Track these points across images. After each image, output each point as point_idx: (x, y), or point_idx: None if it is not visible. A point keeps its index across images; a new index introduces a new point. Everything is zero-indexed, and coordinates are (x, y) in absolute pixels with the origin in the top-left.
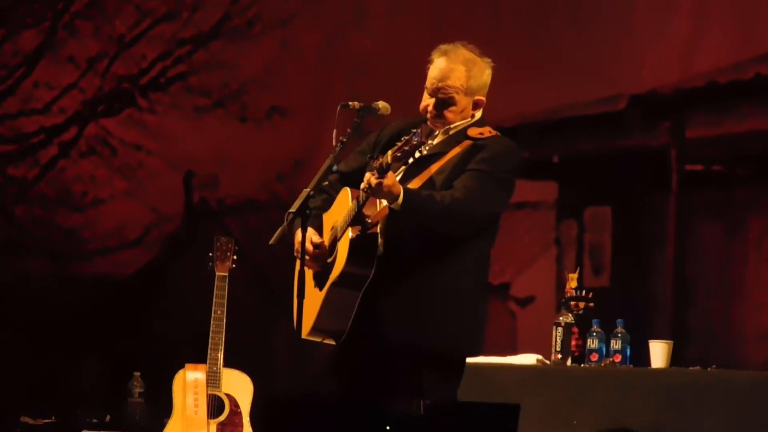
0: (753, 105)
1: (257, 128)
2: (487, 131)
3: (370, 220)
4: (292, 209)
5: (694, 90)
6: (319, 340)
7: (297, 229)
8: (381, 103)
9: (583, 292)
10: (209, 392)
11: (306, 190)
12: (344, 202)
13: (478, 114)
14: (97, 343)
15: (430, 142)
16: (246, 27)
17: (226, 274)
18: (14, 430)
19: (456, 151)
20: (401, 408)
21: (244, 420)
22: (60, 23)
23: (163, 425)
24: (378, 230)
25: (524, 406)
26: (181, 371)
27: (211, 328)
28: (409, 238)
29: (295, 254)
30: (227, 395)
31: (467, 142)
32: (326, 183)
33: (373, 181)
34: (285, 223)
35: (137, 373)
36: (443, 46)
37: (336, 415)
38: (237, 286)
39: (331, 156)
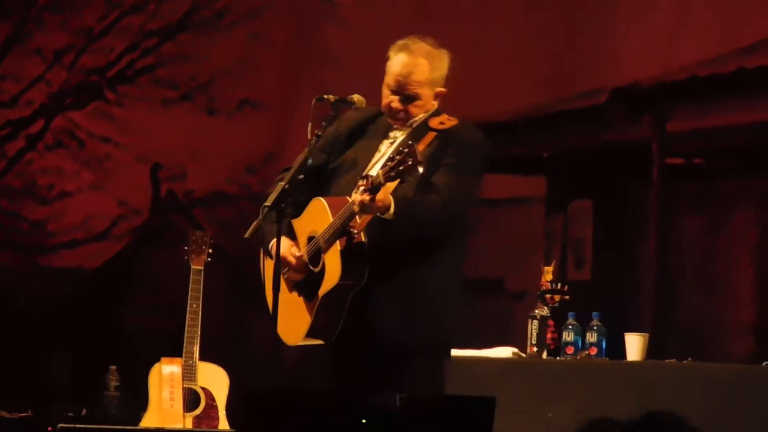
0: (735, 98)
1: (227, 120)
2: (446, 119)
3: (355, 231)
4: (267, 203)
5: (675, 83)
6: (308, 344)
7: (270, 235)
8: (356, 96)
9: (559, 284)
10: (185, 386)
11: (281, 184)
12: (320, 212)
13: (436, 104)
14: (68, 337)
15: (395, 133)
16: (215, 18)
17: (202, 267)
18: None
19: (422, 144)
20: (379, 401)
21: (220, 413)
22: (28, 15)
23: (140, 418)
24: (363, 237)
25: (500, 399)
26: (156, 365)
27: (187, 322)
28: (393, 239)
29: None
30: (203, 389)
31: (431, 134)
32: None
33: (366, 199)
34: (260, 217)
35: (113, 367)
36: (400, 42)
37: (314, 409)
38: (210, 279)
39: (307, 149)
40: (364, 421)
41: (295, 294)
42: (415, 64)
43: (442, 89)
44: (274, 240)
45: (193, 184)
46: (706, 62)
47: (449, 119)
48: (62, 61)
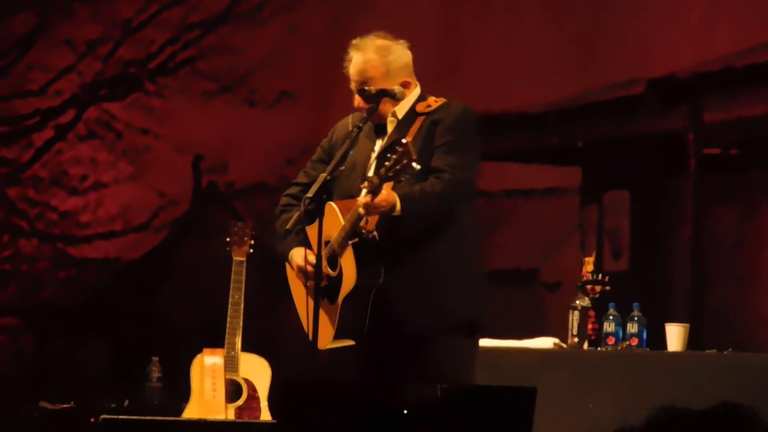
0: None
1: (266, 112)
2: (432, 101)
3: (365, 230)
4: (309, 194)
5: (710, 74)
6: (338, 345)
7: (290, 245)
8: (397, 87)
9: (600, 275)
10: (227, 377)
11: (323, 176)
12: (333, 217)
13: (416, 90)
14: (105, 327)
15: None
16: (255, 11)
17: (244, 258)
18: (33, 415)
19: (414, 130)
20: (418, 392)
21: (261, 404)
22: (55, 6)
23: (181, 410)
24: (375, 234)
25: (541, 390)
26: (199, 356)
27: (229, 313)
28: (404, 234)
29: (298, 274)
30: (245, 380)
31: (420, 119)
32: (295, 192)
33: (369, 200)
34: (302, 208)
35: (155, 358)
36: (354, 41)
37: (353, 400)
38: (249, 270)
39: (348, 141)
40: (405, 412)
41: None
42: (365, 60)
43: (408, 79)
44: (294, 250)
45: (233, 175)
46: (741, 52)
47: (436, 100)
48: (95, 52)
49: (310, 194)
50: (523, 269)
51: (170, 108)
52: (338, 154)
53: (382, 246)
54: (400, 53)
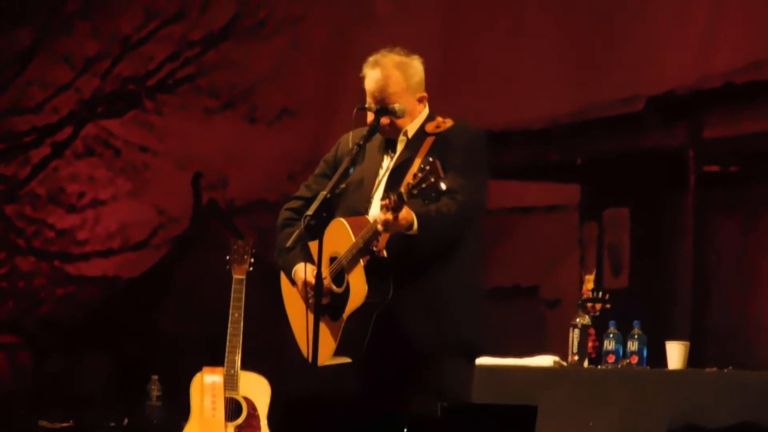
0: None
1: (267, 129)
2: (440, 122)
3: (376, 249)
4: (309, 212)
5: (711, 90)
6: (335, 363)
7: (294, 260)
8: (397, 105)
9: (600, 293)
10: (227, 395)
11: (323, 193)
12: (341, 233)
13: (425, 110)
14: (104, 345)
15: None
16: (257, 27)
17: (244, 276)
18: None
19: (424, 150)
20: (418, 409)
21: (261, 423)
22: (56, 22)
23: (181, 428)
24: (384, 252)
25: (541, 408)
26: (198, 374)
27: (229, 331)
28: (417, 254)
29: (301, 289)
30: (245, 398)
31: (429, 139)
32: (297, 206)
33: (390, 218)
34: (302, 226)
35: (155, 377)
36: (371, 58)
37: (353, 418)
38: (249, 287)
39: (348, 158)
40: (405, 430)
41: (310, 314)
42: (387, 76)
43: (424, 94)
44: (299, 265)
45: (233, 192)
46: (741, 69)
47: (444, 121)
48: (94, 69)
49: (310, 212)
50: (523, 286)
51: (169, 125)
52: (338, 172)
53: (392, 264)
54: (418, 68)
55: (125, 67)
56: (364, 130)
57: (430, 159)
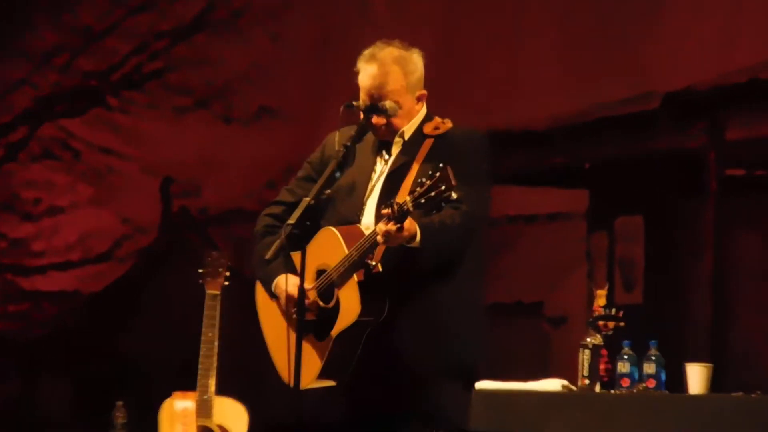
0: None
1: (244, 130)
2: (439, 123)
3: (373, 263)
4: (291, 221)
5: (733, 87)
6: (318, 386)
7: (275, 272)
8: (388, 103)
9: (613, 310)
10: (199, 423)
11: (306, 200)
12: (332, 244)
13: (423, 109)
14: (64, 368)
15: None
16: (232, 18)
17: (218, 292)
18: None
19: (422, 153)
20: None
21: None
22: (10, 12)
23: None
24: (379, 266)
25: None
26: (168, 400)
27: (201, 352)
28: (418, 269)
29: (285, 303)
30: (219, 426)
31: (428, 142)
32: (278, 211)
33: (393, 229)
34: (283, 236)
35: (120, 402)
36: (366, 51)
37: None
38: (225, 304)
39: (334, 161)
40: None
41: (292, 333)
42: (386, 72)
43: (423, 92)
44: (281, 277)
45: (207, 200)
46: (766, 63)
47: (443, 122)
48: (52, 63)
49: (292, 220)
50: (526, 302)
51: (136, 125)
52: (324, 176)
53: (388, 280)
54: (418, 64)
55: (86, 61)
56: (352, 129)
57: (441, 165)
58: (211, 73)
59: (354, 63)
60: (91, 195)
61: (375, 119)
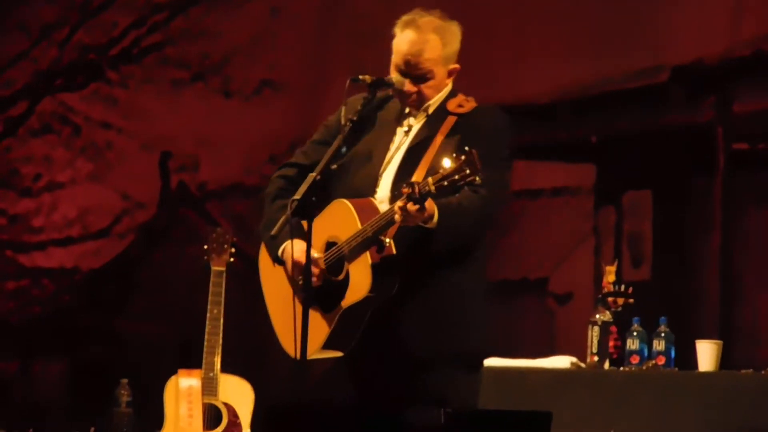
0: None
1: (244, 104)
2: (463, 100)
3: (387, 240)
4: (297, 196)
5: (741, 59)
6: (323, 357)
7: (282, 238)
8: (395, 76)
9: (622, 286)
10: (205, 401)
11: (312, 175)
12: (345, 216)
13: (450, 83)
14: (66, 346)
15: (409, 120)
16: None
17: (224, 269)
18: None
19: (445, 130)
20: (420, 417)
21: (244, 431)
22: None
23: None
24: (393, 247)
25: (556, 414)
26: (173, 378)
27: (207, 330)
28: (433, 250)
29: (292, 269)
30: (225, 404)
31: (451, 119)
32: (292, 173)
33: (413, 209)
34: (289, 212)
35: (124, 380)
36: (405, 17)
37: (344, 424)
38: (229, 281)
39: (340, 137)
40: None
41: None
42: (424, 40)
43: (456, 66)
44: (287, 243)
45: (206, 175)
46: None
47: (467, 100)
48: (51, 37)
49: (298, 196)
50: (531, 279)
51: (135, 99)
52: (328, 153)
53: (401, 259)
54: (456, 36)
55: (85, 35)
56: (358, 102)
57: (466, 149)
58: (210, 47)
59: (356, 36)
60: (91, 170)
61: (407, 86)
